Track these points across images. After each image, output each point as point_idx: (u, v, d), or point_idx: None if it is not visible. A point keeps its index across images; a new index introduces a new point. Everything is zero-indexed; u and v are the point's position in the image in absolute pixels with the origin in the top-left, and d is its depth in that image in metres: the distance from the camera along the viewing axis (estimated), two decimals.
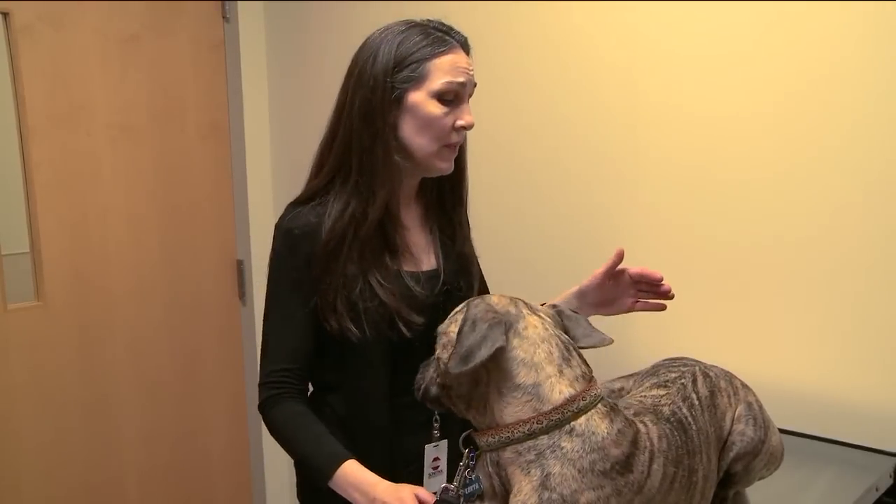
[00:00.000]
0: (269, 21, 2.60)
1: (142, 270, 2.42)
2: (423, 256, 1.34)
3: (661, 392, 1.14)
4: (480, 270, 1.50)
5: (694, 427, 1.10)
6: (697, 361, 1.25)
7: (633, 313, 1.40)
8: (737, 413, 1.21)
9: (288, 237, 1.26)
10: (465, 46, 1.27)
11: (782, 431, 1.31)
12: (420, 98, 1.23)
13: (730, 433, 1.19)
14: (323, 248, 1.23)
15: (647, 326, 1.79)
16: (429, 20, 1.27)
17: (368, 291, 1.24)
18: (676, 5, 1.69)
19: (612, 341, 1.11)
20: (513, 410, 0.99)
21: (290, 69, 2.56)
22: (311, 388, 1.36)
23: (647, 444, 1.01)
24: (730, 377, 1.25)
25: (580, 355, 1.05)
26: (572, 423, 0.97)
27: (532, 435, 0.97)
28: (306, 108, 2.54)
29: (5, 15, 2.11)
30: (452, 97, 1.24)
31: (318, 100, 2.48)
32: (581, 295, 1.37)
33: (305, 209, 1.27)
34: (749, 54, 1.61)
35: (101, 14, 2.28)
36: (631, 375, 1.29)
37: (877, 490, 1.41)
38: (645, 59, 1.75)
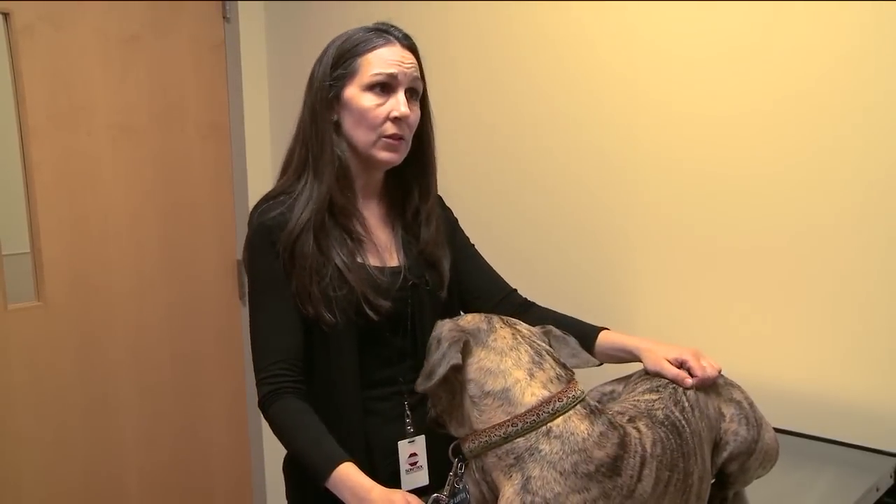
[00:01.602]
0: (270, 21, 2.60)
1: (142, 270, 2.42)
2: (387, 253, 1.36)
3: (654, 396, 1.14)
4: (479, 265, 1.49)
5: (688, 430, 1.10)
6: None
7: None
8: (727, 413, 1.21)
9: (261, 230, 1.30)
10: (403, 41, 1.31)
11: (782, 432, 1.31)
12: (353, 92, 1.29)
13: (723, 432, 1.19)
14: (288, 235, 1.27)
15: (646, 327, 1.79)
16: (377, 23, 1.33)
17: (338, 279, 1.27)
18: (676, 5, 1.69)
19: (597, 363, 1.16)
20: (487, 417, 1.01)
21: (290, 69, 2.56)
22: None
23: (639, 448, 1.00)
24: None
25: (556, 359, 1.06)
26: (549, 424, 0.98)
27: (508, 438, 0.98)
28: None
29: (5, 15, 2.12)
30: (384, 89, 1.28)
31: None
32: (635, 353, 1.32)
33: (273, 203, 1.32)
34: (749, 54, 1.61)
35: (101, 14, 2.28)
36: (623, 378, 1.29)
37: (877, 490, 1.41)
38: (645, 59, 1.75)
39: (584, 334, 1.33)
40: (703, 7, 1.65)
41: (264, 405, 1.27)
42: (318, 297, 1.26)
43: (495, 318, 1.09)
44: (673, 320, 1.77)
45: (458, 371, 1.03)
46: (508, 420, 0.99)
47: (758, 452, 1.20)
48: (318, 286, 1.26)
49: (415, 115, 1.32)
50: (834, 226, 1.54)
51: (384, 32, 1.31)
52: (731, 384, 1.27)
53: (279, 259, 1.28)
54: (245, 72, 2.56)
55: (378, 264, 1.33)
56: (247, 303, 2.64)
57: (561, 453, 0.96)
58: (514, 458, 0.98)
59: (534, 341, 1.06)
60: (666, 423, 1.08)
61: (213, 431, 2.63)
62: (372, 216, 1.37)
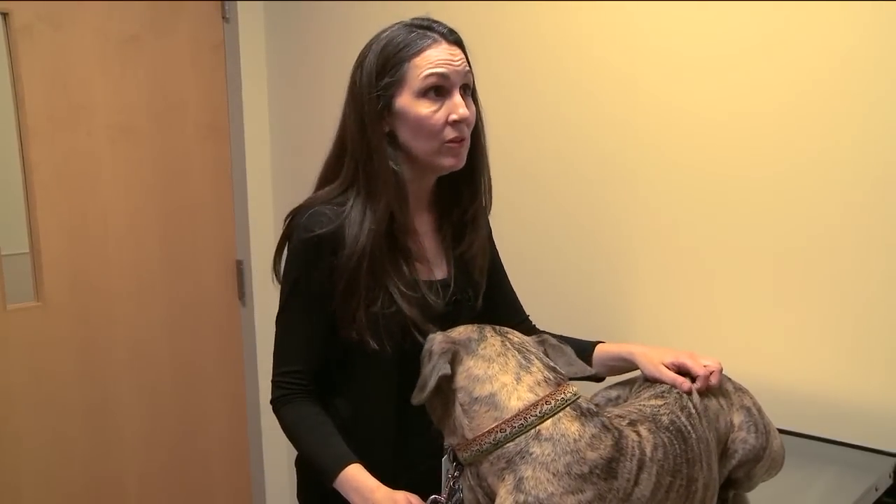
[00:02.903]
0: (269, 21, 2.60)
1: (142, 270, 2.42)
2: (436, 265, 1.33)
3: (659, 402, 1.14)
4: (503, 285, 1.48)
5: (693, 436, 1.09)
6: None
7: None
8: (737, 421, 1.20)
9: (311, 240, 1.22)
10: (448, 37, 1.23)
11: (782, 432, 1.31)
12: (406, 101, 1.21)
13: (731, 441, 1.18)
14: (346, 262, 1.21)
15: (646, 328, 1.79)
16: (416, 18, 1.25)
17: (388, 301, 1.23)
18: (676, 6, 1.69)
19: (592, 371, 1.17)
20: (476, 424, 1.01)
21: (290, 69, 2.56)
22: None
23: (637, 452, 1.00)
24: (722, 380, 1.25)
25: (545, 363, 1.05)
26: (538, 427, 0.98)
27: (498, 444, 0.99)
28: (306, 108, 2.54)
29: (5, 15, 2.11)
30: (438, 92, 1.20)
31: (319, 100, 2.48)
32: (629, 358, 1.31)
33: (323, 209, 1.24)
34: (749, 54, 1.61)
35: (101, 14, 2.28)
36: (627, 383, 1.29)
37: (876, 490, 1.41)
38: (645, 59, 1.75)
39: (581, 349, 1.32)
40: (704, 8, 1.65)
41: (275, 405, 1.28)
42: (363, 322, 1.22)
43: (487, 328, 1.09)
44: (673, 322, 1.77)
45: (449, 381, 1.04)
46: (497, 426, 0.99)
47: (765, 460, 1.20)
48: (367, 311, 1.22)
49: (472, 113, 1.24)
50: (834, 226, 1.54)
51: (427, 30, 1.22)
52: (741, 389, 1.26)
53: (322, 271, 1.22)
54: (245, 72, 2.56)
55: (427, 278, 1.29)
56: (246, 303, 2.66)
57: (553, 455, 0.96)
58: (506, 462, 0.98)
59: (523, 347, 1.06)
60: (671, 428, 1.07)
61: (212, 432, 2.63)
62: (422, 224, 1.32)
